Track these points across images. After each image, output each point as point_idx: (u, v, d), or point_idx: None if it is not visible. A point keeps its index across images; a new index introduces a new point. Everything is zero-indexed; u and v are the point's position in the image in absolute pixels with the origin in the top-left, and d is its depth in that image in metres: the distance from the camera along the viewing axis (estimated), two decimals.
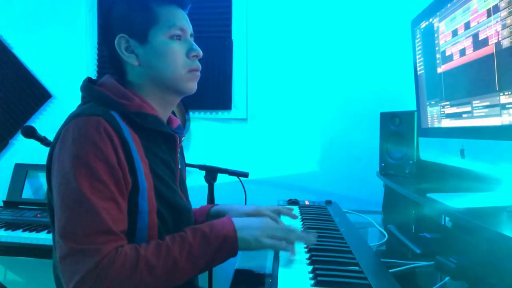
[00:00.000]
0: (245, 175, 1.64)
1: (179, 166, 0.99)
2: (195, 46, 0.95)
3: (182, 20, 0.94)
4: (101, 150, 0.78)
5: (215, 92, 2.11)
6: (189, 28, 0.96)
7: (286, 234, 0.89)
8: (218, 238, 0.83)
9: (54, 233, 0.85)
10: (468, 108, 1.01)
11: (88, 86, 0.91)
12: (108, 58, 0.97)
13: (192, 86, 0.96)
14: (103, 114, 0.82)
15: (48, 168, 0.85)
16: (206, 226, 0.85)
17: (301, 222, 1.19)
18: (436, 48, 1.19)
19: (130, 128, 0.86)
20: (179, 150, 1.09)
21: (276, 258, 0.91)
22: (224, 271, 1.78)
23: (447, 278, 0.89)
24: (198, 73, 0.97)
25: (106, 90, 0.88)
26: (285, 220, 1.12)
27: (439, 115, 1.20)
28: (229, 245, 0.84)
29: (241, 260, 1.03)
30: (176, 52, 0.92)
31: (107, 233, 0.76)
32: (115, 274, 0.74)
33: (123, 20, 0.92)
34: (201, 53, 0.96)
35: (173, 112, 1.05)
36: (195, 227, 0.85)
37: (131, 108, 0.87)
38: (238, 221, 0.87)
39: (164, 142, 0.94)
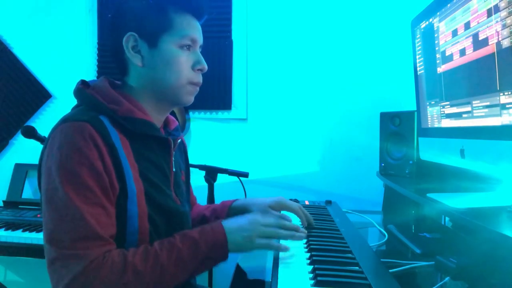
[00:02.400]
0: (245, 175, 1.64)
1: (174, 169, 0.98)
2: (202, 60, 0.94)
3: (195, 31, 0.94)
4: (86, 156, 0.77)
5: (215, 92, 2.11)
6: (200, 40, 0.96)
7: (277, 232, 0.90)
8: (207, 243, 0.82)
9: None
10: (468, 108, 1.01)
11: (80, 90, 0.90)
12: (110, 53, 0.96)
13: (189, 99, 0.96)
14: (90, 120, 0.81)
15: (38, 172, 0.85)
16: (195, 231, 0.85)
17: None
18: (436, 48, 1.19)
19: (119, 133, 0.85)
20: (180, 151, 1.08)
21: (276, 258, 0.91)
22: (224, 271, 1.79)
23: (447, 278, 0.89)
24: (198, 88, 0.96)
25: (96, 94, 0.87)
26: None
27: (439, 115, 1.20)
28: (219, 249, 0.83)
29: (241, 260, 1.03)
30: (183, 62, 0.91)
31: (94, 239, 0.75)
32: (102, 280, 0.73)
33: (137, 18, 0.90)
34: (206, 67, 0.95)
35: (173, 113, 1.04)
36: (185, 232, 0.85)
37: (120, 113, 0.86)
38: (228, 224, 0.87)
39: (157, 145, 0.93)
